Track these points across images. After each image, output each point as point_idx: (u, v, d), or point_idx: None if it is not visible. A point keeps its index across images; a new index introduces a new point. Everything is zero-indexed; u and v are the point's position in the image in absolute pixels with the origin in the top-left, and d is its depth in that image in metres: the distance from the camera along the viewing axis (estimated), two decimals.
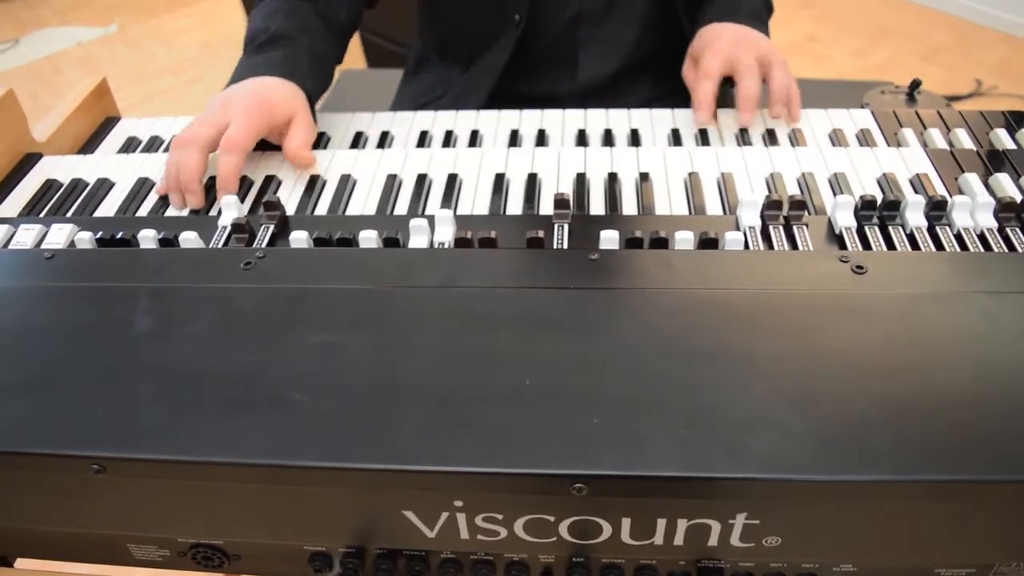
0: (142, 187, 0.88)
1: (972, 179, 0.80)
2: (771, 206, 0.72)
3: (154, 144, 1.01)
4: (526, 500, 0.53)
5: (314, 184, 0.87)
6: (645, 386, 0.54)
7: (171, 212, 0.85)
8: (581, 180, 0.84)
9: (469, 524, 0.55)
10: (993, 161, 0.85)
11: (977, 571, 0.59)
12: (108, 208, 0.86)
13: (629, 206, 0.82)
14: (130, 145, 1.01)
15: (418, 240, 0.72)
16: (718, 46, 0.99)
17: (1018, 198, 0.73)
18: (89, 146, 1.02)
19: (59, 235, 0.74)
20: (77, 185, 0.89)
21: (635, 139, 0.98)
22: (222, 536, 0.62)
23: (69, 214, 0.85)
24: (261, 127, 0.88)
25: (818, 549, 0.57)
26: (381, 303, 0.62)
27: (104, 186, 0.88)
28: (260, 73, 0.93)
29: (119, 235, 0.74)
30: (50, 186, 0.89)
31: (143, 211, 0.85)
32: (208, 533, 0.61)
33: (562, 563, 0.60)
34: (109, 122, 1.07)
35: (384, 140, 1.00)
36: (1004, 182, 0.80)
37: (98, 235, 0.74)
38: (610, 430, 0.51)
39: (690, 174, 0.84)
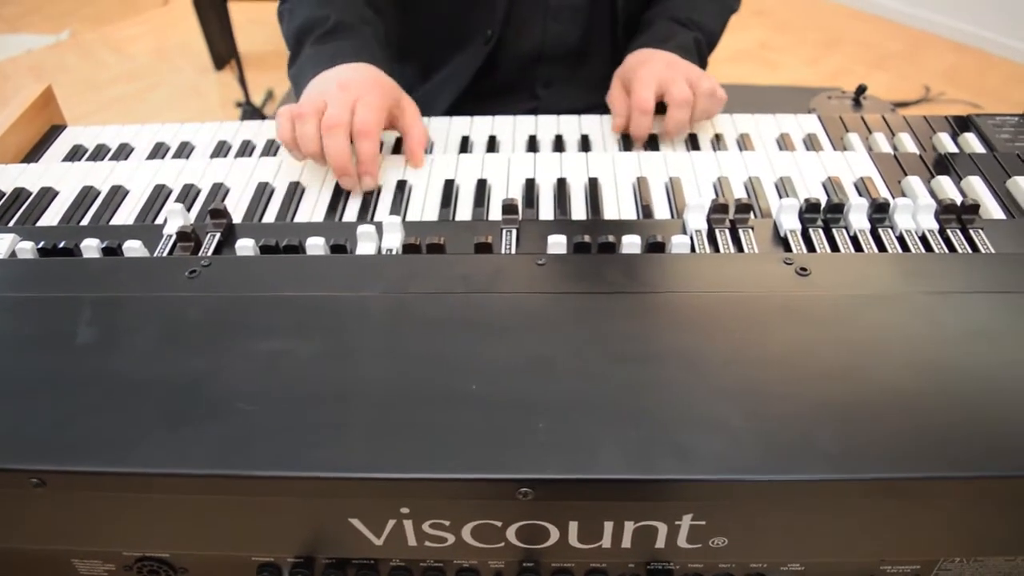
0: (87, 195, 0.86)
1: (915, 182, 0.82)
2: (717, 209, 0.73)
3: (100, 152, 1.00)
4: (472, 506, 0.53)
5: (262, 191, 0.86)
6: (591, 389, 0.54)
7: (115, 221, 0.83)
8: (531, 186, 0.84)
9: (416, 531, 0.54)
10: (936, 165, 0.86)
11: (922, 567, 0.60)
12: (51, 217, 0.84)
13: (578, 211, 0.82)
14: (76, 153, 1.00)
15: (366, 247, 0.72)
16: (649, 69, 0.98)
17: (959, 201, 0.75)
18: (33, 155, 1.00)
19: None
20: (20, 194, 0.87)
21: (585, 144, 0.99)
22: (168, 549, 0.61)
23: (11, 224, 0.83)
24: (386, 109, 0.89)
25: (765, 549, 0.57)
26: (327, 310, 0.61)
27: (48, 195, 0.87)
28: (344, 60, 0.93)
29: (61, 244, 0.73)
30: None
31: (87, 220, 0.84)
32: (154, 546, 0.60)
33: (512, 569, 0.60)
34: (55, 130, 1.05)
35: None
36: (946, 185, 0.82)
37: (40, 244, 0.73)
38: (556, 434, 0.51)
39: (639, 179, 0.85)
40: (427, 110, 1.07)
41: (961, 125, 0.98)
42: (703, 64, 1.14)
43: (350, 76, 0.91)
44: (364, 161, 0.85)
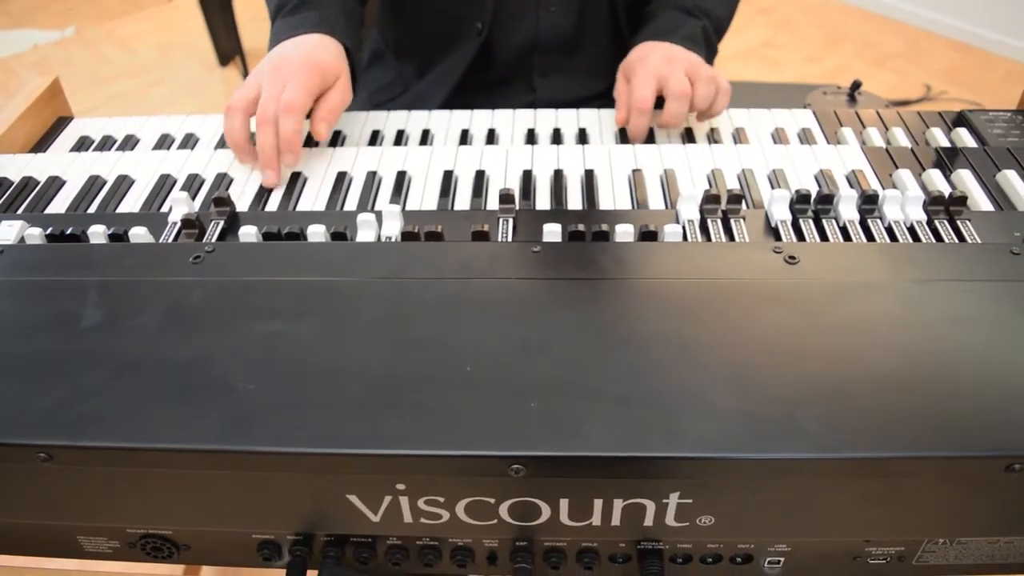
0: (93, 185, 0.88)
1: (905, 175, 0.83)
2: (709, 200, 0.74)
3: (107, 143, 1.01)
4: (466, 482, 0.54)
5: None
6: (582, 371, 0.56)
7: (121, 209, 0.85)
8: (528, 177, 0.86)
9: (412, 507, 0.56)
10: (927, 159, 0.88)
11: (906, 548, 0.61)
12: (59, 205, 0.86)
13: (574, 202, 0.83)
14: (82, 144, 1.02)
15: (365, 234, 0.73)
16: (648, 65, 0.98)
17: (948, 193, 0.76)
18: (41, 145, 1.02)
19: (8, 231, 0.75)
20: (28, 183, 0.89)
21: (583, 138, 1.00)
22: (171, 525, 0.62)
23: (20, 211, 0.85)
24: (315, 87, 0.90)
25: (751, 528, 0.58)
26: (326, 294, 0.63)
27: (55, 184, 0.88)
28: (301, 31, 0.95)
29: (69, 231, 0.74)
30: (0, 184, 0.89)
31: (93, 208, 0.85)
32: (157, 522, 0.62)
33: (506, 547, 0.61)
34: (61, 122, 1.07)
35: (336, 139, 1.02)
36: (936, 178, 0.83)
37: (48, 231, 0.75)
38: (547, 413, 0.53)
39: (634, 171, 0.86)
40: (424, 105, 1.08)
41: (955, 121, 0.99)
42: (712, 52, 1.14)
43: (289, 54, 0.91)
44: (284, 138, 0.86)
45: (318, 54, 0.93)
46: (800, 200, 0.75)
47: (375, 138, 1.02)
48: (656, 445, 0.51)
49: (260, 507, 0.59)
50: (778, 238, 0.73)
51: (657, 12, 1.12)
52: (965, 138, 0.95)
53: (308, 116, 0.91)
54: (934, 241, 0.72)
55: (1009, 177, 0.82)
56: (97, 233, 0.74)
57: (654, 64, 0.98)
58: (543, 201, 0.83)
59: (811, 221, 0.74)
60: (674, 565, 0.62)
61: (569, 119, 1.03)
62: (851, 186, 0.84)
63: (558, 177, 0.86)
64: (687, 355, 0.57)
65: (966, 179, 0.83)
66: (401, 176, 0.87)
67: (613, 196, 0.83)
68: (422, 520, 0.57)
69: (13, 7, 4.09)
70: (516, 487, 0.54)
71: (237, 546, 0.63)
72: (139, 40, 3.79)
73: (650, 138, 0.99)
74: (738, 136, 0.98)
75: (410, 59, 1.28)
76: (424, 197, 0.84)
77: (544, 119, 1.03)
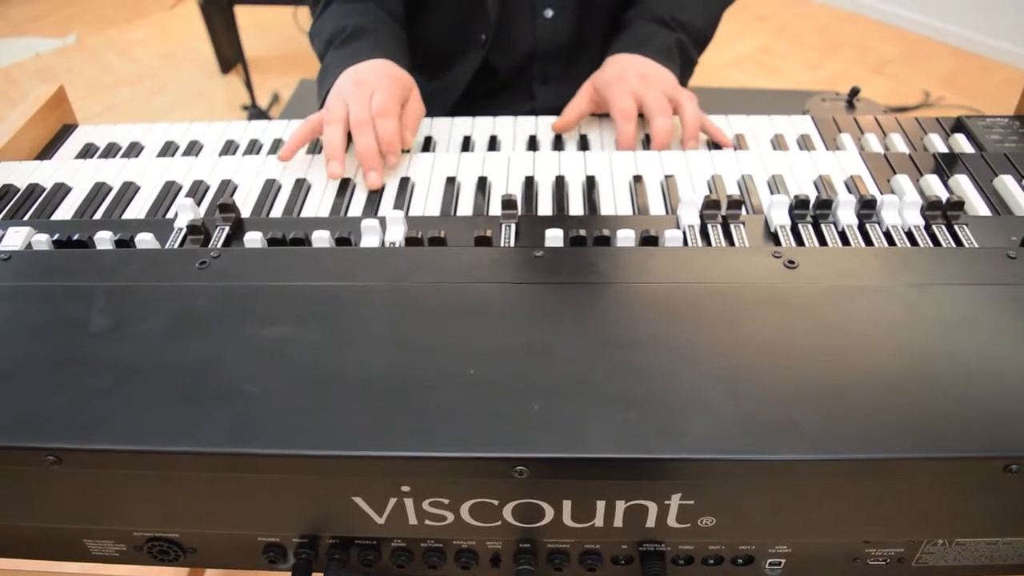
0: (99, 191, 0.89)
1: (903, 180, 0.84)
2: (709, 205, 0.75)
3: (111, 150, 1.02)
4: (470, 484, 0.55)
5: (270, 187, 0.88)
6: (584, 373, 0.56)
7: (127, 215, 0.86)
8: (530, 183, 0.87)
9: (417, 509, 0.57)
10: (925, 164, 0.88)
11: (906, 549, 0.62)
12: (65, 212, 0.87)
13: (576, 207, 0.84)
14: (87, 151, 1.02)
15: (369, 240, 0.74)
16: (625, 85, 0.99)
17: (945, 198, 0.77)
18: (46, 153, 1.03)
19: (16, 237, 0.75)
20: (34, 190, 0.90)
21: (584, 144, 1.01)
22: (177, 528, 0.63)
23: (26, 218, 0.86)
24: (400, 96, 0.93)
25: (751, 529, 0.59)
26: (331, 298, 0.64)
27: (61, 191, 0.89)
28: (359, 59, 0.97)
29: (75, 237, 0.75)
30: (7, 191, 0.90)
31: (99, 214, 0.86)
32: (163, 525, 0.62)
33: (509, 549, 0.62)
34: (66, 129, 1.07)
35: None
36: (934, 183, 0.84)
37: (55, 237, 0.75)
38: (550, 415, 0.53)
39: (635, 176, 0.87)
40: (428, 115, 1.09)
41: (952, 127, 1.00)
42: (689, 65, 1.14)
43: (364, 72, 0.95)
44: (385, 140, 0.88)
45: (392, 69, 0.96)
46: (799, 205, 0.75)
47: None
48: (657, 446, 0.52)
49: (266, 510, 0.60)
50: (777, 243, 0.74)
51: (632, 21, 1.12)
52: (963, 144, 0.96)
53: None
54: (931, 246, 0.72)
55: (1006, 182, 0.83)
56: (103, 239, 0.74)
57: (631, 84, 0.99)
58: (545, 207, 0.84)
59: (810, 226, 0.75)
60: (676, 567, 0.62)
61: None
62: (849, 191, 0.84)
63: (560, 183, 0.87)
64: (688, 358, 0.58)
65: (963, 184, 0.84)
66: (404, 182, 0.88)
67: (614, 202, 0.84)
68: (427, 522, 0.58)
69: (14, 15, 4.11)
70: (520, 489, 0.55)
71: (243, 549, 0.64)
72: (141, 48, 3.80)
73: (649, 145, 0.99)
74: (738, 142, 0.99)
75: (415, 71, 1.29)
76: (427, 203, 0.85)
77: (545, 126, 1.04)
